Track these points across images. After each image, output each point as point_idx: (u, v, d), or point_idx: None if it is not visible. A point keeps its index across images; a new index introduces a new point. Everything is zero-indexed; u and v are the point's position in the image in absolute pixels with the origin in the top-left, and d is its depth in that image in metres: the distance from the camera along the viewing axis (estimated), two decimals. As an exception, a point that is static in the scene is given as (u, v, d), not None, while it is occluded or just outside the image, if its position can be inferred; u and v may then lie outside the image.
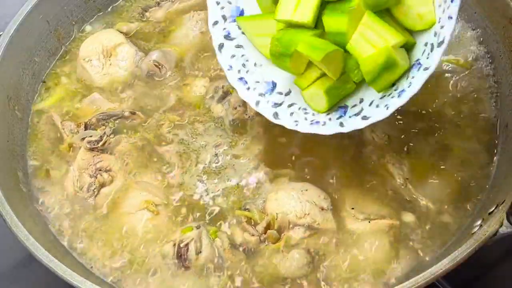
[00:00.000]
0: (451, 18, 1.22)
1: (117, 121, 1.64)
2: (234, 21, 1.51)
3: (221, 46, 1.49)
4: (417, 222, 1.43)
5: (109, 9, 1.94)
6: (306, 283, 1.36)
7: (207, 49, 1.78)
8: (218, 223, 1.46)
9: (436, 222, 1.43)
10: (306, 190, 1.43)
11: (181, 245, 1.38)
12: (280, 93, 1.46)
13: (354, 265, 1.38)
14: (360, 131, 1.38)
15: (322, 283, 1.36)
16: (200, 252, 1.38)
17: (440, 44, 1.24)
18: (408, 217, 1.44)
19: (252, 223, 1.42)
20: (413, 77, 1.28)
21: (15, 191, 1.50)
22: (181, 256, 1.38)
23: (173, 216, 1.48)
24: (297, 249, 1.38)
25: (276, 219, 1.40)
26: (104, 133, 1.59)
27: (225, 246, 1.39)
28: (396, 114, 1.54)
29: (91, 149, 1.56)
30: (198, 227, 1.41)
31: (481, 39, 1.69)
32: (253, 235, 1.40)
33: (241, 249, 1.41)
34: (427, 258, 1.38)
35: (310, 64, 1.40)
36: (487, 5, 1.66)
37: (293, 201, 1.41)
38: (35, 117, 1.71)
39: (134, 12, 1.92)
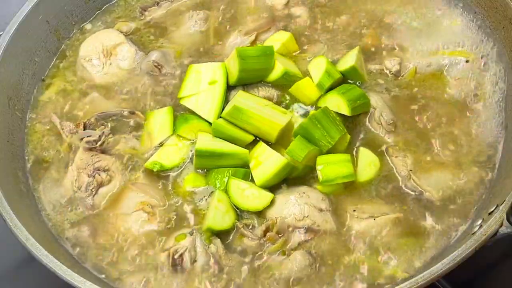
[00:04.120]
0: None
1: (116, 121, 1.64)
2: None
3: None
4: (420, 216, 1.44)
5: (109, 9, 1.94)
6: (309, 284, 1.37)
7: (207, 48, 1.79)
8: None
9: (438, 217, 1.44)
10: (304, 193, 1.44)
11: (175, 256, 1.38)
12: None
13: (357, 264, 1.38)
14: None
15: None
16: (196, 261, 1.38)
17: None
18: (412, 212, 1.45)
19: (250, 227, 1.43)
20: None
21: (15, 191, 1.50)
22: (176, 266, 1.38)
23: (169, 218, 1.48)
24: (299, 251, 1.38)
25: (276, 223, 1.40)
26: (103, 133, 1.58)
27: (220, 252, 1.39)
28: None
29: (90, 149, 1.56)
30: (191, 233, 1.41)
31: (481, 39, 1.69)
32: (253, 240, 1.40)
33: (239, 252, 1.41)
34: (429, 255, 1.39)
35: None
36: (487, 5, 1.66)
37: (292, 204, 1.42)
38: (35, 117, 1.71)
39: (133, 12, 1.92)
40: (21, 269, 1.72)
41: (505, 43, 1.61)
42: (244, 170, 1.49)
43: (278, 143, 1.52)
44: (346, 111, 1.52)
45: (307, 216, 1.40)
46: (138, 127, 1.63)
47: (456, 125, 1.57)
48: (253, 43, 1.76)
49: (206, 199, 1.48)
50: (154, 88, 1.72)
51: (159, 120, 1.60)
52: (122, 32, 1.83)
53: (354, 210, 1.44)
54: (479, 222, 1.33)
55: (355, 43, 1.73)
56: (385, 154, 1.53)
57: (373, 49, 1.73)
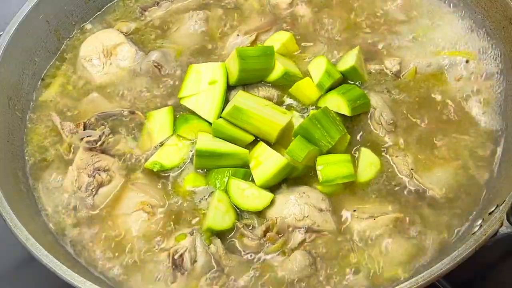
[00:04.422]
0: None
1: (116, 121, 1.64)
2: None
3: None
4: (420, 216, 1.44)
5: (109, 9, 1.94)
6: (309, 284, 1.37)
7: (207, 48, 1.79)
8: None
9: (439, 216, 1.44)
10: (304, 193, 1.44)
11: (176, 256, 1.38)
12: None
13: (357, 264, 1.39)
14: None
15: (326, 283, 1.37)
16: (196, 261, 1.38)
17: None
18: (412, 211, 1.45)
19: (250, 227, 1.42)
20: None
21: (15, 191, 1.50)
22: (176, 266, 1.38)
23: (169, 218, 1.48)
24: (299, 251, 1.38)
25: (276, 223, 1.40)
26: (103, 133, 1.58)
27: (220, 252, 1.39)
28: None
29: (90, 149, 1.56)
30: (191, 233, 1.41)
31: (481, 39, 1.69)
32: (253, 239, 1.40)
33: (239, 253, 1.41)
34: (429, 255, 1.39)
35: None
36: (487, 5, 1.66)
37: (292, 204, 1.42)
38: (35, 117, 1.71)
39: (133, 12, 1.92)
40: (21, 269, 1.72)
41: (505, 43, 1.61)
42: (244, 170, 1.49)
43: (278, 143, 1.52)
44: (346, 111, 1.52)
45: (307, 216, 1.40)
46: (138, 127, 1.63)
47: (456, 125, 1.58)
48: (253, 43, 1.76)
49: (206, 199, 1.48)
50: (154, 88, 1.72)
51: (159, 120, 1.60)
52: (122, 32, 1.83)
53: (354, 210, 1.45)
54: (479, 222, 1.33)
55: (355, 43, 1.73)
56: (386, 154, 1.53)
57: (373, 49, 1.73)
